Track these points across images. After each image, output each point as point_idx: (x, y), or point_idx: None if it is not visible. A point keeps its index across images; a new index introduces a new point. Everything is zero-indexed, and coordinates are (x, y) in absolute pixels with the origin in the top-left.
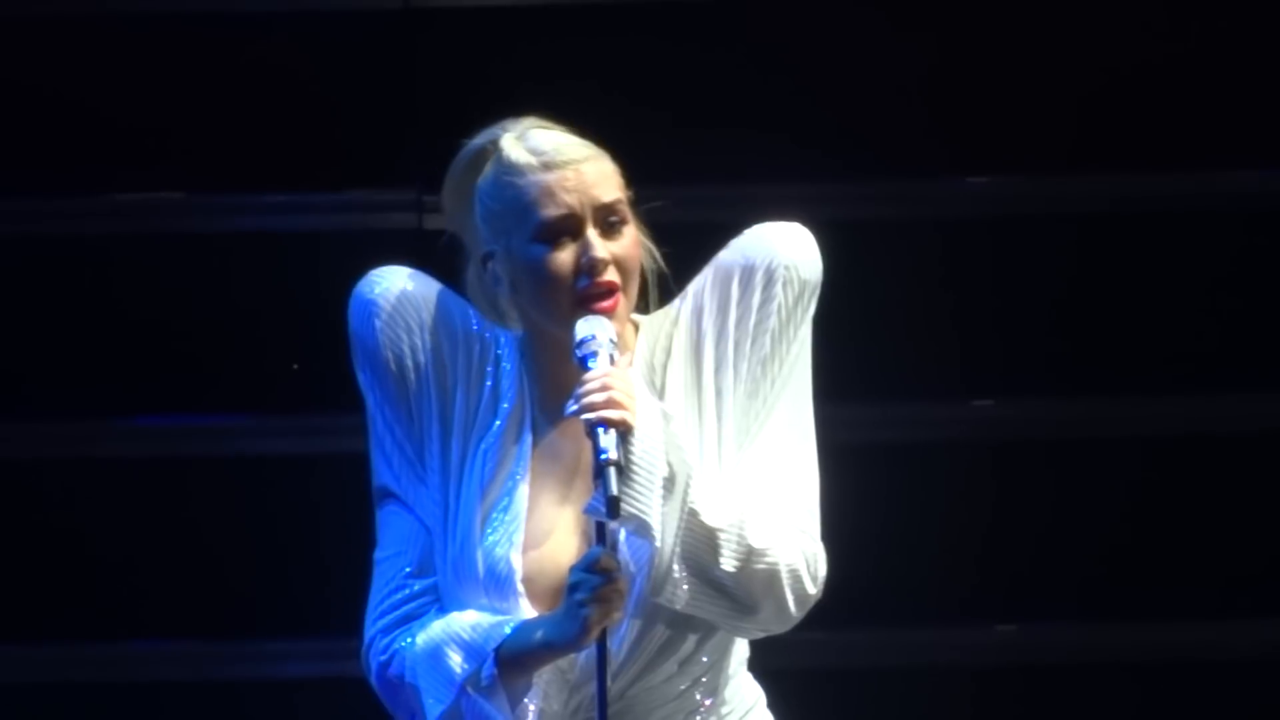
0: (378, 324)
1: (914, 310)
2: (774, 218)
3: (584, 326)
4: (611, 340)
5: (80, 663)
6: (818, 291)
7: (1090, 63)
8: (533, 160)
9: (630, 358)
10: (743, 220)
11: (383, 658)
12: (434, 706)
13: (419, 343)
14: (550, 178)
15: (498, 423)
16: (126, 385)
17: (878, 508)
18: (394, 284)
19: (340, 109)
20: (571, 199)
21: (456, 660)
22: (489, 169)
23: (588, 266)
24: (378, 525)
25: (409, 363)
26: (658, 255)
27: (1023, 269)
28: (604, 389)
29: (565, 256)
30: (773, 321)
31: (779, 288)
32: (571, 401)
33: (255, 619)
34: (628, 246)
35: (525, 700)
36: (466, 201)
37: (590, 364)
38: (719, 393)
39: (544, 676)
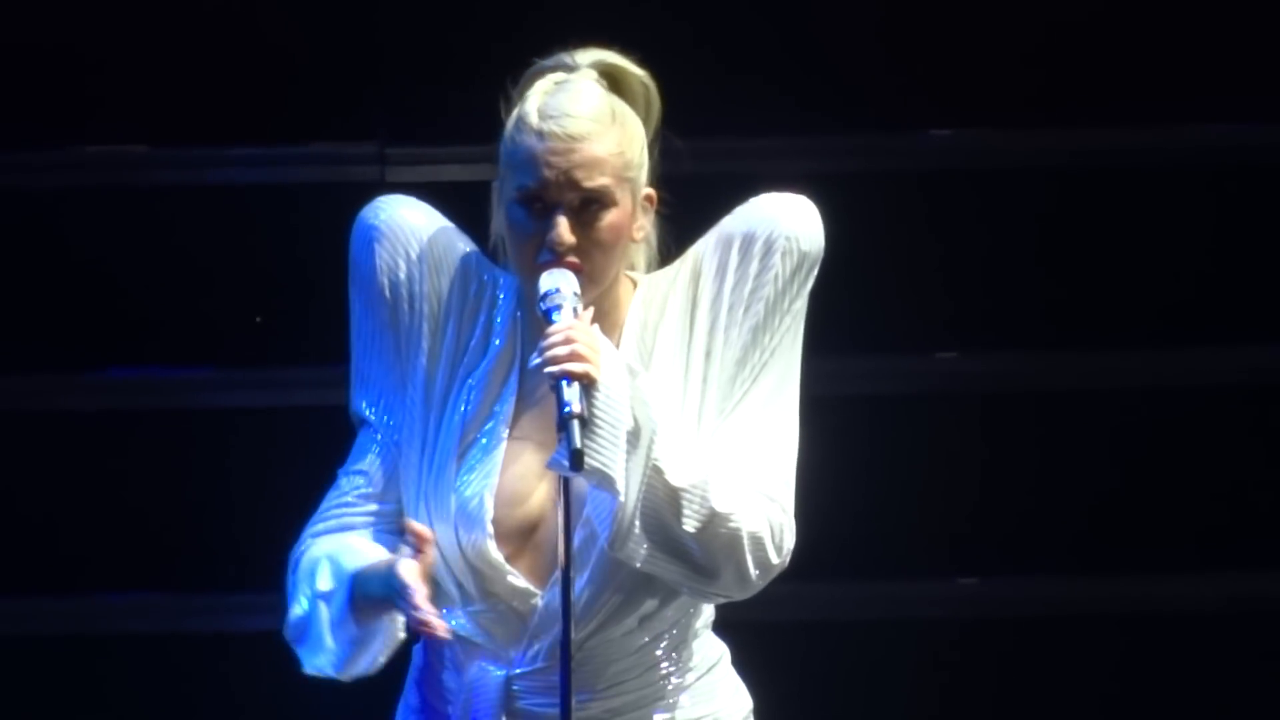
0: (376, 249)
1: (891, 263)
2: (747, 170)
3: (547, 280)
4: (575, 294)
5: (37, 615)
6: (817, 265)
7: (1065, 13)
8: (536, 122)
9: (620, 323)
10: (720, 172)
11: (295, 555)
12: (294, 610)
13: (415, 272)
14: (542, 146)
15: (486, 361)
16: (89, 339)
17: (854, 461)
18: (396, 212)
19: (303, 61)
20: (551, 174)
21: (324, 575)
22: (516, 108)
23: (548, 244)
24: (353, 445)
25: (403, 291)
26: (650, 234)
27: (1001, 221)
28: (567, 341)
29: (534, 225)
30: (768, 290)
31: (778, 257)
32: (535, 354)
33: (214, 573)
34: (601, 230)
35: (361, 633)
36: None
37: (554, 317)
38: (707, 356)
39: (489, 616)
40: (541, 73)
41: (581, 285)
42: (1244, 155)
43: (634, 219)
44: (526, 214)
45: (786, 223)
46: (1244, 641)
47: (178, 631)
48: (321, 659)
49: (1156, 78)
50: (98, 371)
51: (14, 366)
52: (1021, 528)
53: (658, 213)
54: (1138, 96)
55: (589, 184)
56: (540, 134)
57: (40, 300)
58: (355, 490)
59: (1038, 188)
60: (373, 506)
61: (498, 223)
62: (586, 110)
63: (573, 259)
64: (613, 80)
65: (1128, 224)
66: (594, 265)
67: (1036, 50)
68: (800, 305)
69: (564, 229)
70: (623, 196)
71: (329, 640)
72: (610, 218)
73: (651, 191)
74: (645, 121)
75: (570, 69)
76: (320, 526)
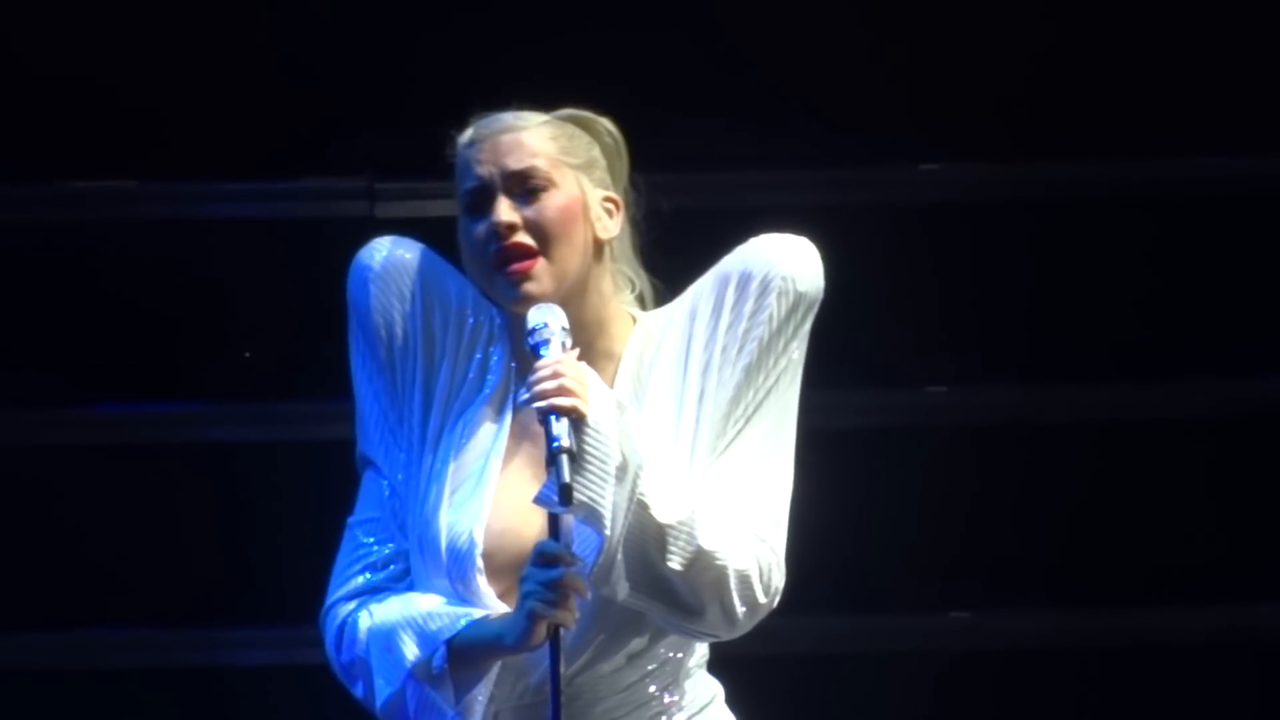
0: (372, 290)
1: (882, 297)
2: (740, 203)
3: (535, 315)
4: (564, 328)
5: (40, 650)
6: (815, 306)
7: (1056, 44)
8: (469, 134)
9: (617, 358)
10: (710, 205)
11: (339, 624)
12: (383, 688)
13: (410, 311)
14: (471, 152)
15: (480, 398)
16: (83, 373)
17: (840, 494)
18: (392, 252)
19: (293, 96)
20: (483, 170)
21: (409, 646)
22: None
23: (493, 231)
24: (359, 490)
25: (398, 330)
26: (611, 223)
27: (990, 255)
28: (555, 376)
29: (480, 227)
30: (762, 330)
31: (773, 297)
32: (524, 390)
33: (218, 607)
34: (544, 210)
35: (473, 691)
36: None
37: (542, 352)
38: (701, 395)
39: (495, 664)
40: None
41: (547, 275)
42: (1234, 185)
43: (587, 207)
44: (471, 219)
45: (784, 263)
46: (1232, 673)
47: (179, 666)
48: None
49: (1149, 109)
50: (88, 406)
51: (7, 400)
52: (1013, 560)
53: (654, 245)
54: (1129, 127)
55: (518, 165)
56: (470, 141)
57: (31, 335)
58: (370, 540)
59: (1028, 221)
60: (387, 554)
61: (463, 256)
62: (516, 113)
63: (521, 242)
64: (574, 123)
65: (1121, 255)
66: (549, 248)
67: (1029, 81)
68: (797, 345)
69: (502, 209)
70: (563, 178)
71: (448, 708)
72: (553, 197)
73: (615, 194)
74: (614, 156)
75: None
76: (347, 590)
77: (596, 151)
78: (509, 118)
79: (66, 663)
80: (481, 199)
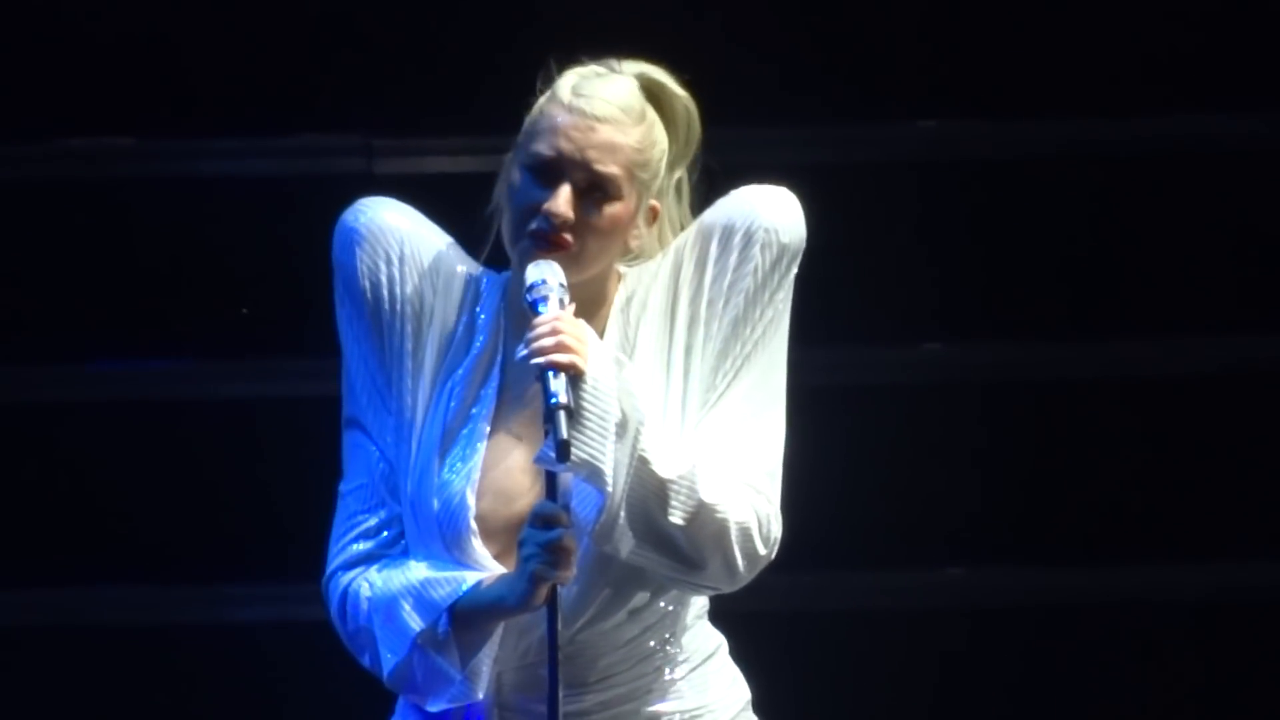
0: (357, 252)
1: (861, 254)
2: (726, 161)
3: (534, 271)
4: (562, 284)
5: (31, 608)
6: (799, 257)
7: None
8: (568, 97)
9: (605, 316)
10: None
11: (340, 594)
12: (389, 659)
13: (397, 274)
14: (566, 119)
15: (469, 359)
16: (79, 331)
17: (824, 452)
18: (377, 214)
19: (289, 53)
20: (568, 148)
21: (411, 615)
22: (551, 88)
23: (545, 211)
24: (344, 455)
25: (384, 293)
26: (645, 230)
27: (968, 214)
28: (554, 333)
29: (537, 193)
30: (748, 283)
31: (757, 249)
32: (521, 346)
33: (214, 563)
34: (600, 220)
35: (479, 655)
36: None
37: (540, 308)
38: (688, 350)
39: (498, 627)
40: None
41: (565, 266)
42: (1235, 145)
43: (634, 221)
44: (532, 181)
45: (766, 214)
46: (1236, 631)
47: (169, 623)
48: (454, 689)
49: (1152, 70)
50: (81, 364)
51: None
52: (1014, 518)
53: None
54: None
55: (600, 168)
56: (568, 108)
57: (27, 292)
58: (365, 507)
59: (1027, 180)
60: (382, 518)
61: (499, 191)
62: (617, 99)
63: (563, 236)
64: (652, 94)
65: (1121, 214)
66: (584, 249)
67: (1030, 40)
68: (783, 296)
69: (564, 201)
70: (629, 193)
71: (455, 673)
72: (613, 209)
73: (657, 204)
74: (683, 144)
75: (614, 70)
76: (346, 557)
77: (664, 148)
78: (614, 103)
79: (61, 620)
80: (550, 170)
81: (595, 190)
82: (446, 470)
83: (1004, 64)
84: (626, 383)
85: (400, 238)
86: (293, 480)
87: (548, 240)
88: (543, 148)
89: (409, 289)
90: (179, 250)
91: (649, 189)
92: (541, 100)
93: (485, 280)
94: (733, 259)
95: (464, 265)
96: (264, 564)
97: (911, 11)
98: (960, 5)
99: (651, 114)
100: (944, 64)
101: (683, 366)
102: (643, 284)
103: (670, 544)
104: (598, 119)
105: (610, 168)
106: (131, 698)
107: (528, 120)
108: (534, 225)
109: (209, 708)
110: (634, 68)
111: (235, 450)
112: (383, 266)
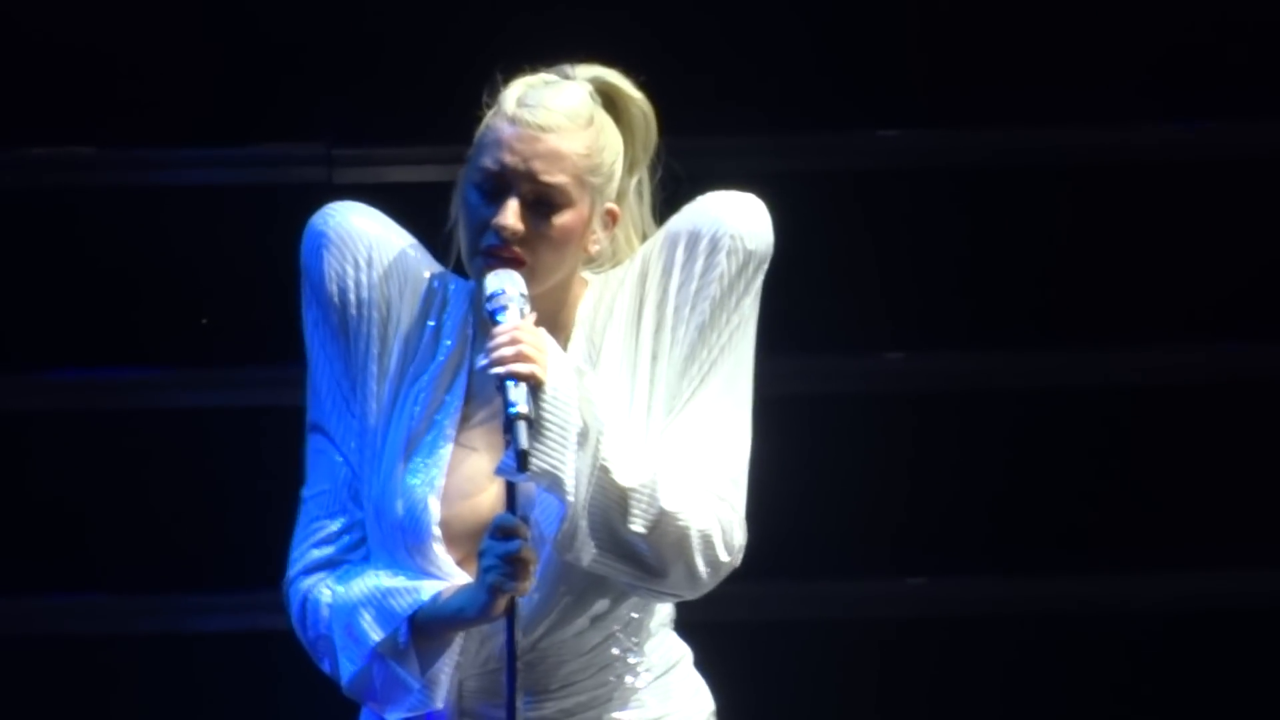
0: (325, 256)
1: (827, 263)
2: (691, 169)
3: (493, 281)
4: (522, 294)
5: (10, 617)
6: (765, 263)
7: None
8: (512, 108)
9: (570, 324)
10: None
11: (300, 601)
12: (347, 667)
13: (364, 278)
14: (510, 131)
15: (435, 364)
16: (38, 339)
17: (789, 460)
18: (346, 218)
19: (250, 62)
20: (512, 160)
21: (371, 625)
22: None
23: (494, 227)
24: (307, 460)
25: (351, 297)
26: (605, 249)
27: (933, 222)
28: (513, 342)
29: (485, 209)
30: (714, 289)
31: (723, 256)
32: (481, 356)
33: (177, 573)
34: (550, 230)
35: (438, 664)
36: None
37: (499, 318)
38: (654, 357)
39: (458, 637)
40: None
41: (524, 278)
42: (1213, 153)
43: (589, 227)
44: (481, 196)
45: (732, 221)
46: (1194, 641)
47: (126, 633)
48: (413, 699)
49: (1130, 77)
50: (41, 373)
51: None
52: (981, 528)
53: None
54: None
55: (547, 178)
56: (512, 119)
57: None
58: (326, 513)
59: (993, 188)
60: (343, 524)
61: (454, 206)
62: (562, 106)
63: (515, 249)
64: (607, 98)
65: (1055, 222)
66: (539, 261)
67: (977, 48)
68: (749, 303)
69: (512, 214)
70: (581, 200)
71: (414, 683)
72: (563, 218)
73: (615, 207)
74: (641, 146)
75: (566, 76)
76: (306, 563)
77: (617, 151)
78: (559, 110)
79: (17, 629)
80: (497, 185)
81: (543, 202)
82: (410, 475)
83: (971, 71)
84: (587, 391)
85: (369, 242)
86: (251, 489)
87: (500, 256)
88: (488, 162)
89: (376, 294)
90: (138, 259)
91: (602, 194)
92: (489, 114)
93: (453, 286)
94: (699, 265)
95: (431, 270)
96: (222, 573)
97: (881, 19)
98: (931, 12)
99: (601, 117)
100: (911, 71)
101: (649, 373)
102: (609, 290)
103: (632, 552)
104: (542, 128)
105: (557, 177)
106: (87, 708)
107: (476, 135)
108: (486, 242)
109: (166, 718)
110: (588, 72)
111: (193, 459)
112: (350, 271)
